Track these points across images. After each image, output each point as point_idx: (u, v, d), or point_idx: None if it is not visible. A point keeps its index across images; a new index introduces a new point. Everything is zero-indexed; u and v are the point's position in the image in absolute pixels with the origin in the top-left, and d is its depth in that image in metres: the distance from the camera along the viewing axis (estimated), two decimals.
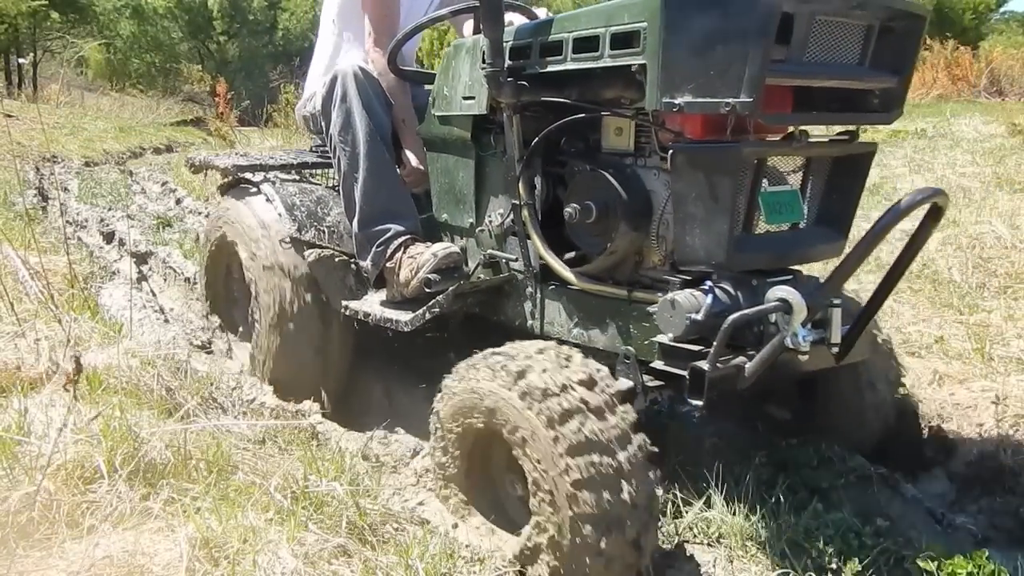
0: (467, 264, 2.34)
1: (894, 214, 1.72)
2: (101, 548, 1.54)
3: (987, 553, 1.86)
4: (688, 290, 1.77)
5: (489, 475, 1.90)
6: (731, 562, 1.85)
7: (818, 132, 1.89)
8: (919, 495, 2.26)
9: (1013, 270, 3.42)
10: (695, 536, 1.96)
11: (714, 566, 1.83)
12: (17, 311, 2.73)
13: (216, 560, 1.55)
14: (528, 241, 2.09)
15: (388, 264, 2.38)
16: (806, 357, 1.69)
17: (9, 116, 9.54)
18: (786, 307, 1.64)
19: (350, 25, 2.74)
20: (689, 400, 1.70)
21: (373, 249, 2.40)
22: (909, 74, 1.87)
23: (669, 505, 2.05)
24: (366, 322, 2.43)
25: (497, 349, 1.78)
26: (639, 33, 1.72)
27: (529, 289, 2.18)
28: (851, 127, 1.93)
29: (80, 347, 2.53)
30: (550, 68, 1.93)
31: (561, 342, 1.88)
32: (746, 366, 1.68)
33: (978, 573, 1.79)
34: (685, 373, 1.67)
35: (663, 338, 1.77)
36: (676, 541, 1.94)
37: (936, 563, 1.83)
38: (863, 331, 1.90)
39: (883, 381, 2.28)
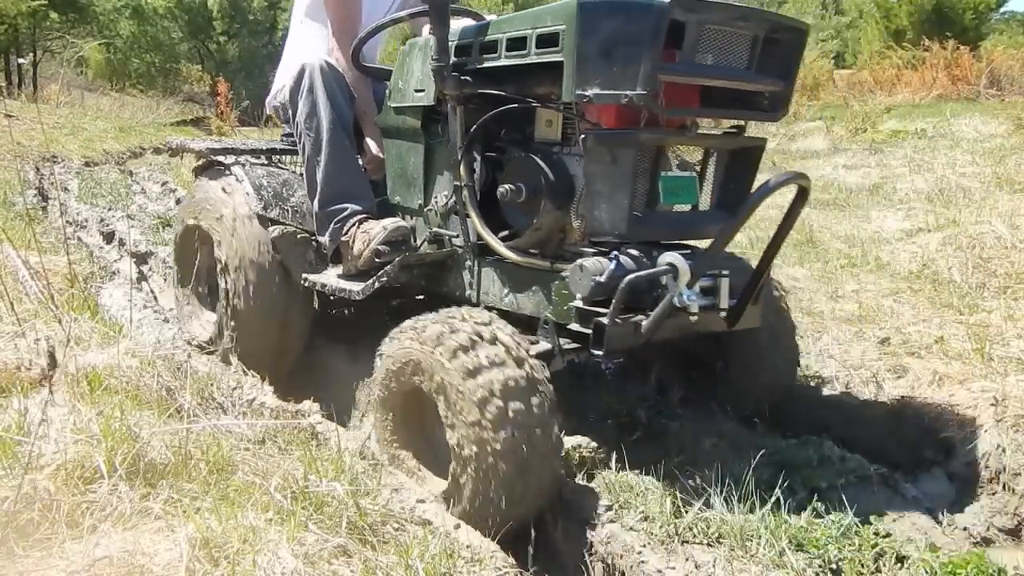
0: (415, 240, 2.57)
1: (761, 193, 2.07)
2: (101, 548, 1.54)
3: (987, 553, 1.87)
4: (596, 257, 2.03)
5: (420, 427, 2.13)
6: (731, 562, 1.85)
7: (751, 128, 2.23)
8: (919, 495, 2.26)
9: (1013, 270, 3.42)
10: (695, 536, 1.96)
11: (714, 566, 1.83)
12: (17, 311, 2.73)
13: (216, 560, 1.55)
14: (468, 219, 2.32)
15: (344, 239, 2.60)
16: (695, 318, 1.97)
17: (9, 116, 9.54)
18: (673, 271, 1.92)
19: (316, 23, 2.93)
20: (592, 352, 1.97)
21: (331, 226, 2.63)
22: (793, 79, 2.15)
23: (669, 504, 2.05)
24: (327, 296, 2.67)
25: (423, 315, 2.05)
26: (559, 34, 1.96)
27: (468, 262, 2.42)
28: (741, 123, 2.23)
29: (76, 348, 2.53)
30: (487, 64, 2.18)
31: (495, 310, 2.22)
32: (643, 323, 1.96)
33: (978, 573, 1.79)
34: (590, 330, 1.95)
35: (577, 303, 2.02)
36: (676, 541, 1.94)
37: (936, 563, 1.83)
38: (750, 301, 2.20)
39: (781, 351, 2.53)
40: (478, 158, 2.30)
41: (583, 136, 2.02)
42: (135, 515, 1.67)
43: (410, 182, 2.59)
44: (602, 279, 1.97)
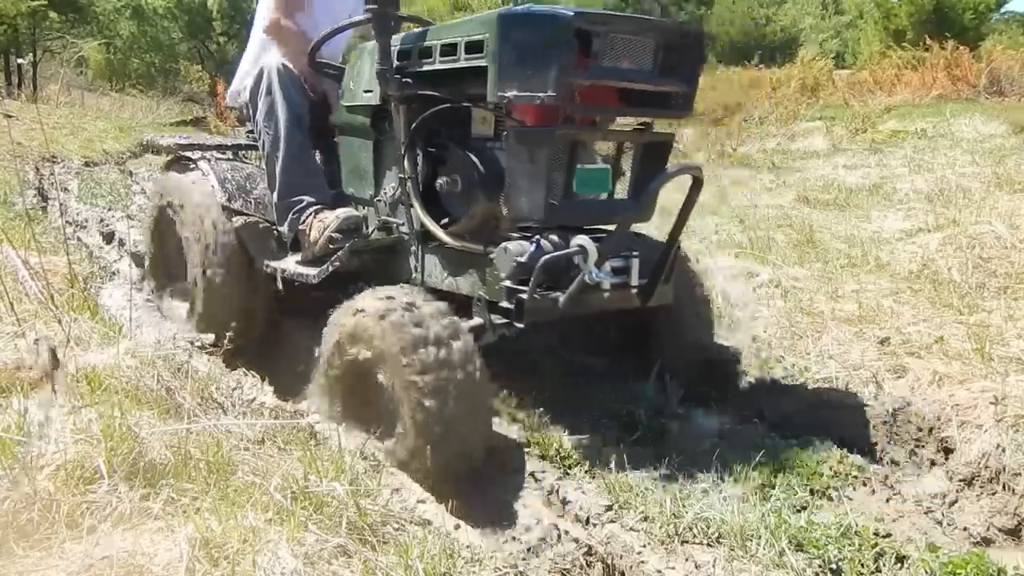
0: (367, 228, 2.79)
1: (658, 181, 2.32)
2: (101, 548, 1.54)
3: (987, 553, 1.87)
4: (519, 240, 2.28)
5: (363, 393, 2.30)
6: (731, 562, 1.85)
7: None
8: (919, 495, 2.26)
9: (1013, 270, 3.41)
10: (695, 536, 1.96)
11: (714, 566, 1.83)
12: (17, 311, 2.73)
13: (216, 560, 1.55)
14: (412, 209, 2.53)
15: (301, 228, 2.82)
16: (607, 295, 2.30)
17: (9, 116, 9.53)
18: (583, 252, 2.20)
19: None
20: (515, 324, 2.26)
21: (289, 216, 2.85)
22: (696, 81, 2.38)
23: (669, 504, 2.05)
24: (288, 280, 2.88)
25: (364, 294, 2.30)
26: (483, 42, 2.19)
27: (413, 248, 2.64)
28: (648, 120, 2.46)
29: (76, 348, 2.53)
30: (425, 68, 2.41)
31: (437, 291, 2.47)
32: (560, 298, 2.23)
33: (978, 573, 1.79)
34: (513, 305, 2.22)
35: (506, 282, 2.26)
36: (676, 541, 1.94)
37: (936, 563, 1.83)
38: (659, 280, 2.46)
39: (698, 319, 2.78)
40: (420, 153, 2.51)
41: (505, 132, 2.26)
42: (135, 515, 1.67)
43: (361, 175, 2.80)
44: (523, 260, 2.24)
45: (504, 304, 2.28)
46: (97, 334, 2.76)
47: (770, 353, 2.87)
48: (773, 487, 2.25)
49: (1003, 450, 2.19)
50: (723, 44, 36.76)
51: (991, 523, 2.12)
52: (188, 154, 3.21)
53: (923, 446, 2.40)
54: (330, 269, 2.67)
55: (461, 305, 2.35)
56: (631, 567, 1.85)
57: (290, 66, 2.88)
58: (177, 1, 24.09)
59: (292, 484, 1.84)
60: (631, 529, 1.95)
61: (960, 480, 2.25)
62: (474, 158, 2.38)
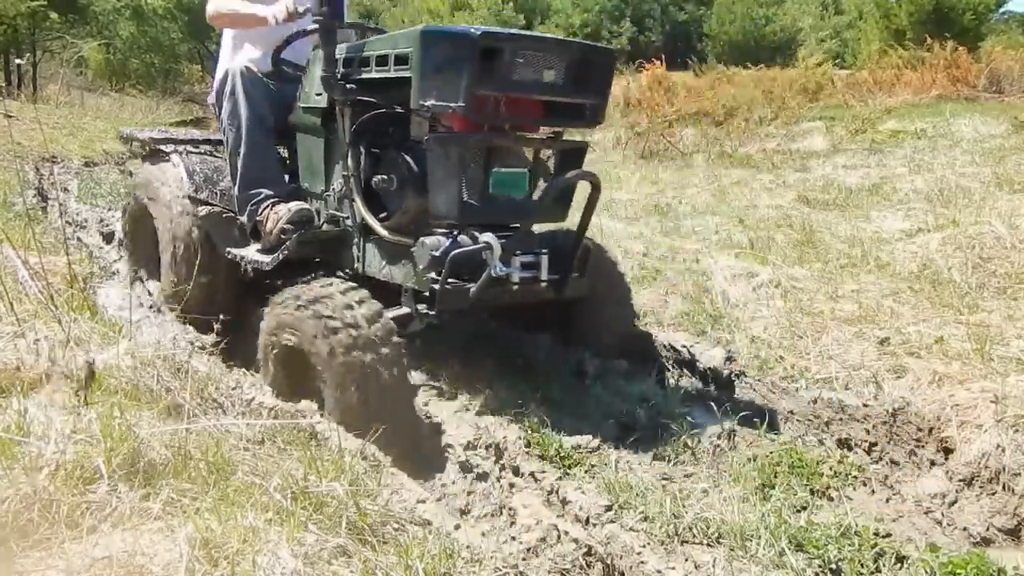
0: (319, 220, 3.00)
1: (554, 184, 2.59)
2: (101, 548, 1.54)
3: (987, 553, 1.86)
4: (436, 236, 2.50)
5: (298, 372, 2.52)
6: (731, 562, 1.85)
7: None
8: (919, 495, 2.26)
9: (1013, 270, 3.41)
10: (695, 536, 1.96)
11: (714, 566, 1.83)
12: (17, 311, 2.73)
13: (216, 560, 1.55)
14: (354, 203, 2.76)
15: (259, 219, 3.04)
16: (517, 287, 2.53)
17: (9, 116, 9.53)
18: (489, 247, 2.42)
19: (241, 31, 3.35)
20: (430, 312, 2.50)
21: (248, 207, 3.07)
22: (606, 94, 2.61)
23: (669, 504, 2.05)
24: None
25: (298, 285, 2.54)
26: (408, 55, 2.42)
27: (356, 240, 2.84)
28: (559, 129, 2.70)
29: (76, 348, 2.53)
30: (364, 76, 2.63)
31: (375, 280, 2.71)
32: (471, 289, 2.45)
33: (978, 573, 1.79)
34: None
35: (430, 274, 2.46)
36: (676, 541, 1.94)
37: (936, 563, 1.83)
38: (570, 275, 2.71)
39: (618, 301, 3.04)
40: (362, 153, 2.73)
41: (426, 137, 2.49)
42: (135, 515, 1.66)
43: (314, 171, 3.03)
44: (438, 253, 2.46)
45: (426, 294, 2.52)
46: (97, 334, 2.76)
47: (770, 353, 2.87)
48: (773, 487, 2.25)
49: (1003, 450, 2.18)
50: (723, 44, 36.77)
51: (991, 523, 2.12)
52: (162, 147, 3.48)
53: (923, 446, 2.40)
54: (280, 257, 2.91)
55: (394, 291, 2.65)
56: (631, 567, 1.85)
57: (254, 68, 3.07)
58: (177, 1, 24.07)
59: (292, 484, 1.84)
60: (631, 529, 1.95)
61: (960, 480, 2.25)
62: (407, 159, 2.62)
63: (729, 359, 2.88)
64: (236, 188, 3.10)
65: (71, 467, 1.73)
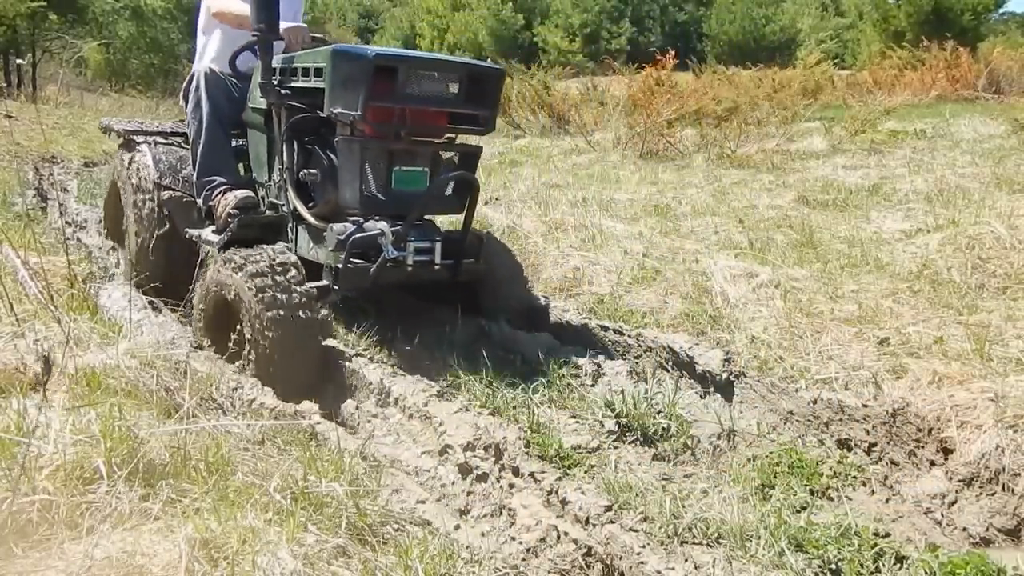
0: (263, 206, 3.43)
1: (436, 183, 3.07)
2: (100, 549, 1.54)
3: (987, 553, 1.86)
4: (345, 223, 2.97)
5: (226, 326, 2.88)
6: (731, 562, 1.85)
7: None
8: (919, 495, 2.26)
9: (1012, 270, 3.41)
10: (695, 536, 1.96)
11: (714, 566, 1.83)
12: (16, 311, 2.73)
13: (215, 561, 1.55)
14: (288, 193, 3.19)
15: (211, 204, 3.43)
16: (411, 269, 2.99)
17: (9, 116, 9.53)
18: (381, 233, 2.89)
19: (206, 36, 3.74)
20: (333, 288, 2.98)
21: (204, 193, 3.46)
22: (495, 106, 3.12)
23: (668, 504, 2.05)
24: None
25: (233, 251, 2.94)
26: (323, 68, 2.90)
27: (291, 224, 3.28)
28: (454, 135, 3.20)
29: (76, 348, 2.53)
30: (293, 84, 3.08)
31: (304, 259, 3.10)
32: (370, 269, 2.92)
33: (978, 573, 1.79)
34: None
35: (339, 254, 2.91)
36: (676, 541, 1.94)
37: (936, 563, 1.83)
38: (463, 259, 3.15)
39: (514, 279, 3.47)
40: (295, 149, 3.17)
41: (336, 139, 2.98)
42: (134, 516, 1.66)
43: (260, 163, 3.48)
44: (342, 238, 2.92)
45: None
46: (97, 334, 2.76)
47: (770, 353, 2.87)
48: (773, 487, 2.25)
49: (1002, 450, 2.18)
50: (722, 44, 36.76)
51: (991, 523, 2.12)
52: (135, 138, 3.86)
53: (923, 446, 2.40)
54: (225, 239, 3.27)
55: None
56: (631, 568, 1.85)
57: (216, 70, 3.48)
58: (176, 1, 24.07)
59: (292, 484, 1.84)
60: (631, 529, 1.95)
61: (959, 480, 2.25)
62: (329, 157, 3.07)
63: (728, 359, 2.89)
64: (195, 175, 3.50)
65: (70, 467, 1.73)
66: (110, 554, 1.53)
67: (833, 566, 1.86)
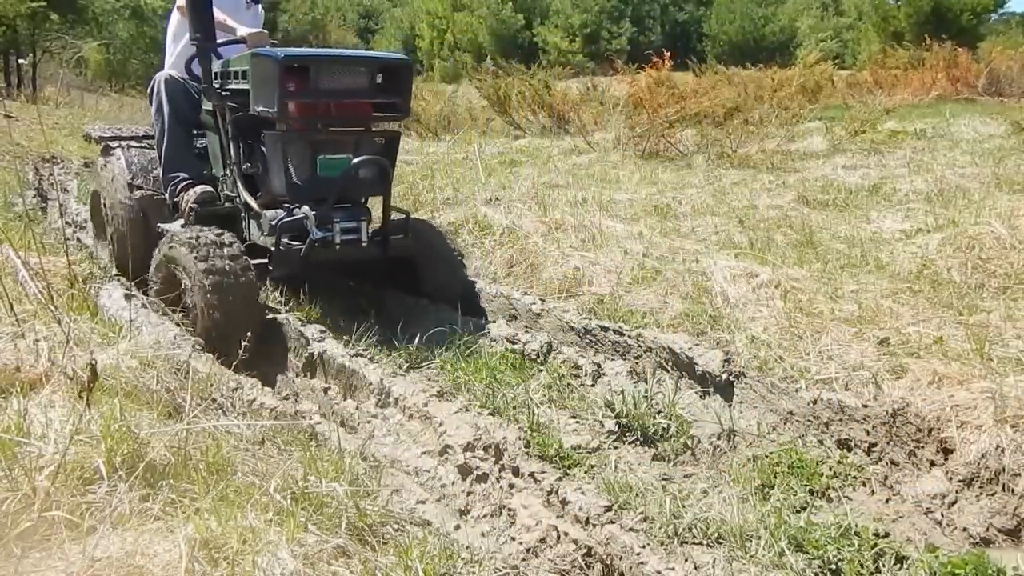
0: (221, 199, 3.75)
1: (345, 169, 3.31)
2: (100, 549, 1.54)
3: (987, 553, 1.86)
4: (277, 209, 3.34)
5: (173, 286, 3.30)
6: (731, 562, 1.85)
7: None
8: (919, 495, 2.26)
9: (1012, 270, 3.41)
10: (695, 537, 1.96)
11: (714, 566, 1.83)
12: (17, 312, 2.73)
13: (216, 561, 1.55)
14: (237, 186, 3.54)
15: (175, 199, 3.79)
16: (339, 248, 3.26)
17: (9, 117, 9.53)
18: (307, 217, 3.22)
19: (172, 44, 4.10)
20: (269, 268, 3.33)
21: (170, 188, 3.83)
22: (407, 95, 3.45)
23: (668, 504, 2.05)
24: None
25: (181, 231, 3.35)
26: (248, 71, 3.28)
27: (242, 214, 3.62)
28: (376, 123, 3.56)
29: (76, 348, 2.53)
30: (231, 86, 3.44)
31: (252, 243, 3.49)
32: (301, 250, 3.23)
33: (978, 573, 1.79)
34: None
35: (285, 239, 3.28)
36: (676, 541, 1.94)
37: (936, 563, 1.83)
38: (388, 238, 3.49)
39: (449, 263, 3.78)
40: (241, 146, 3.50)
41: (262, 134, 3.37)
42: (134, 516, 1.66)
43: (216, 159, 3.80)
44: (274, 223, 3.28)
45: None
46: (97, 335, 2.76)
47: (770, 353, 2.87)
48: (773, 487, 2.25)
49: (1003, 450, 2.18)
50: (722, 44, 36.76)
51: (991, 523, 2.12)
52: (109, 143, 4.27)
53: (923, 446, 2.40)
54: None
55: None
56: (631, 568, 1.85)
57: (175, 75, 3.84)
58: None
59: (292, 485, 1.84)
60: (631, 530, 1.95)
61: (959, 480, 2.25)
62: (265, 151, 3.41)
63: (728, 359, 2.89)
64: (161, 172, 3.87)
65: (71, 467, 1.73)
66: (110, 554, 1.53)
67: (833, 566, 1.86)
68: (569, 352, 3.20)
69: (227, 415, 2.47)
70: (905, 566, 1.88)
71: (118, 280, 3.87)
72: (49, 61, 21.26)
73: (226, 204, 3.70)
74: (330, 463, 2.04)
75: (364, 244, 3.36)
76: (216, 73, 3.47)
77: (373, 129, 3.53)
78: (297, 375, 3.19)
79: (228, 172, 3.62)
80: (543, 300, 3.60)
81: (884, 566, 1.86)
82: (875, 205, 5.05)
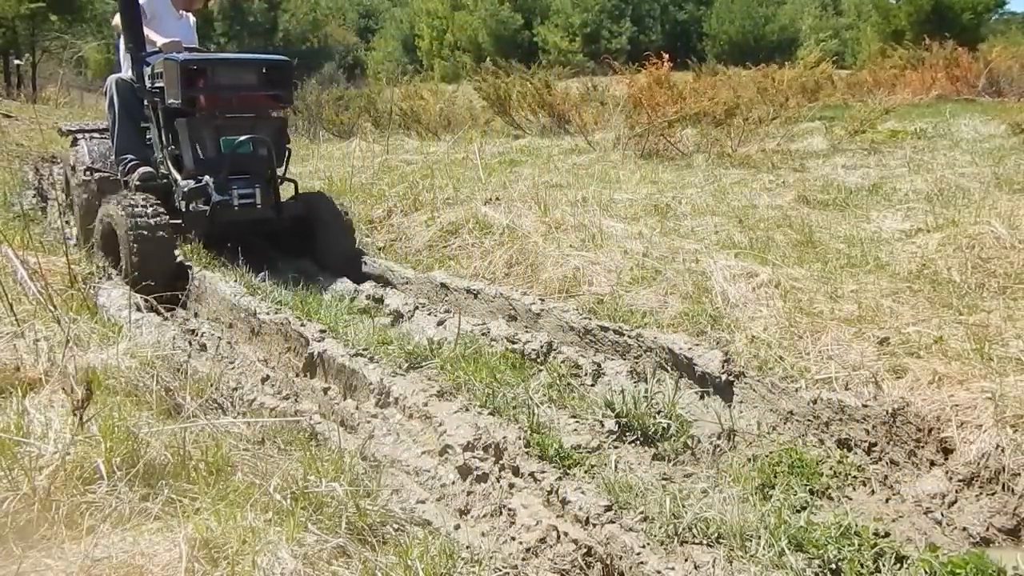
0: (159, 176, 4.57)
1: (233, 148, 4.27)
2: (100, 549, 1.54)
3: (987, 553, 1.86)
4: (190, 180, 4.23)
5: (113, 246, 4.18)
6: (731, 562, 1.85)
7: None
8: (919, 495, 2.26)
9: (1012, 270, 3.41)
10: (695, 536, 1.96)
11: (714, 566, 1.83)
12: (16, 311, 2.73)
13: (215, 561, 1.55)
14: (168, 164, 4.44)
15: (126, 178, 4.62)
16: (237, 209, 4.16)
17: (8, 117, 9.53)
18: (208, 184, 4.15)
19: (123, 51, 4.79)
20: (183, 226, 4.22)
21: (121, 169, 4.68)
22: (288, 87, 4.47)
23: (668, 504, 2.04)
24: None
25: (119, 195, 4.24)
26: (162, 72, 4.24)
27: (174, 188, 4.42)
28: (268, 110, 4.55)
29: (76, 348, 2.53)
30: (156, 85, 4.35)
31: (185, 212, 4.31)
32: (206, 212, 4.17)
33: (978, 573, 1.79)
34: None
35: (203, 205, 4.19)
36: (676, 541, 1.94)
37: (936, 563, 1.83)
38: (279, 202, 4.46)
39: (340, 232, 4.58)
40: (169, 132, 4.41)
41: (175, 120, 4.29)
42: (134, 516, 1.66)
43: (155, 145, 4.63)
44: (186, 190, 4.20)
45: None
46: (96, 334, 2.76)
47: (770, 353, 2.87)
48: (773, 487, 2.25)
49: (1003, 450, 2.18)
50: (723, 44, 36.75)
51: (991, 523, 2.12)
52: (75, 135, 5.23)
53: (923, 446, 2.40)
54: None
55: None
56: (631, 568, 1.85)
57: (123, 77, 4.68)
58: None
59: (292, 484, 1.84)
60: (631, 529, 1.95)
61: (960, 480, 2.25)
62: (180, 135, 4.31)
63: (728, 359, 2.88)
64: (114, 156, 4.72)
65: (71, 467, 1.73)
66: (110, 554, 1.53)
67: (833, 566, 1.86)
68: (569, 352, 3.20)
69: (227, 414, 2.47)
70: (905, 566, 1.88)
71: (125, 285, 3.90)
72: (49, 61, 21.25)
73: (162, 180, 4.50)
74: (330, 463, 2.04)
75: (259, 207, 4.22)
76: (148, 75, 4.38)
77: (264, 116, 4.43)
78: (297, 375, 3.19)
79: (162, 154, 4.49)
80: (543, 300, 3.60)
81: (884, 566, 1.86)
82: (875, 205, 5.05)
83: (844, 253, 3.91)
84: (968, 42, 16.92)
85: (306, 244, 4.66)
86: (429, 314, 3.80)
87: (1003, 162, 6.13)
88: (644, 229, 4.48)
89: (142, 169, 4.51)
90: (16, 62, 18.66)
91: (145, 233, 3.92)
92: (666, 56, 9.27)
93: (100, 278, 4.01)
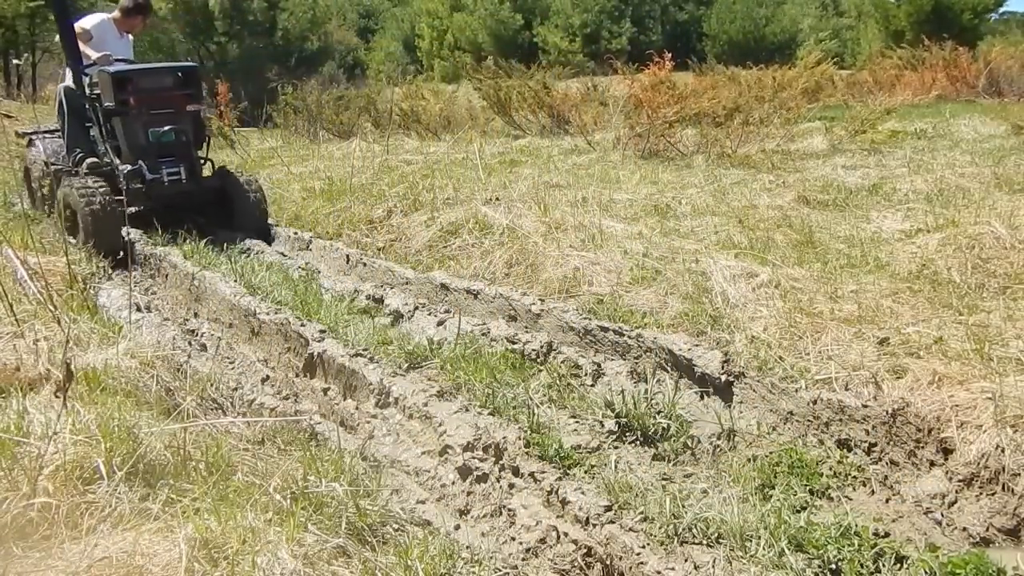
0: (103, 164, 5.44)
1: (156, 137, 5.37)
2: (100, 549, 1.54)
3: (987, 553, 1.86)
4: (127, 165, 5.28)
5: (73, 220, 5.03)
6: (731, 562, 1.85)
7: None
8: (919, 495, 2.26)
9: (1012, 270, 3.41)
10: (695, 536, 1.96)
11: (714, 566, 1.83)
12: (16, 311, 2.73)
13: (215, 561, 1.55)
14: (109, 154, 5.40)
15: (77, 167, 5.43)
16: (168, 185, 5.27)
17: (9, 116, 9.53)
18: (140, 164, 5.23)
19: (67, 66, 5.78)
20: (125, 202, 4.43)
21: (72, 159, 5.51)
22: (198, 88, 5.68)
23: (668, 504, 2.04)
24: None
25: (75, 178, 5.24)
26: (96, 82, 5.35)
27: (116, 172, 5.29)
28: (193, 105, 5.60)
29: (76, 348, 2.53)
30: (95, 92, 5.32)
31: (127, 191, 4.91)
32: (142, 188, 5.24)
33: (978, 573, 1.79)
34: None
35: (140, 184, 5.24)
36: (675, 541, 1.94)
37: (936, 563, 1.83)
38: (200, 178, 5.56)
39: (256, 204, 5.60)
40: (109, 127, 5.36)
41: (112, 118, 5.30)
42: (134, 516, 1.66)
43: (98, 139, 5.51)
44: (125, 173, 5.14)
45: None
46: (96, 334, 2.76)
47: (769, 353, 2.87)
48: (773, 487, 2.25)
49: (1002, 450, 2.18)
50: (723, 44, 36.74)
51: (991, 523, 2.12)
52: (32, 136, 6.27)
53: (923, 446, 2.40)
54: None
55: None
56: (630, 568, 1.85)
57: (71, 85, 5.54)
58: (177, 2, 24.03)
59: (292, 485, 1.84)
60: (631, 530, 1.95)
61: (959, 480, 2.25)
62: (116, 130, 5.32)
63: (728, 359, 2.89)
64: (66, 150, 5.60)
65: (71, 467, 1.73)
66: (110, 554, 1.53)
67: (833, 566, 1.86)
68: (569, 352, 3.20)
69: (227, 414, 2.47)
70: (905, 566, 1.88)
71: (125, 285, 3.88)
72: (49, 61, 21.25)
73: (106, 167, 5.39)
74: (330, 463, 2.04)
75: (184, 182, 5.28)
76: (87, 84, 5.36)
77: (181, 111, 5.36)
78: (297, 375, 3.19)
79: (104, 146, 5.42)
80: (543, 300, 3.60)
81: (884, 566, 1.86)
82: (875, 205, 5.05)
83: (844, 253, 3.91)
84: (968, 42, 16.92)
85: (225, 214, 5.68)
86: (429, 314, 3.79)
87: (1003, 162, 6.13)
88: (644, 229, 4.47)
89: (89, 160, 5.45)
90: (16, 62, 18.67)
91: (96, 211, 4.84)
92: (669, 55, 9.26)
93: (100, 278, 4.01)
